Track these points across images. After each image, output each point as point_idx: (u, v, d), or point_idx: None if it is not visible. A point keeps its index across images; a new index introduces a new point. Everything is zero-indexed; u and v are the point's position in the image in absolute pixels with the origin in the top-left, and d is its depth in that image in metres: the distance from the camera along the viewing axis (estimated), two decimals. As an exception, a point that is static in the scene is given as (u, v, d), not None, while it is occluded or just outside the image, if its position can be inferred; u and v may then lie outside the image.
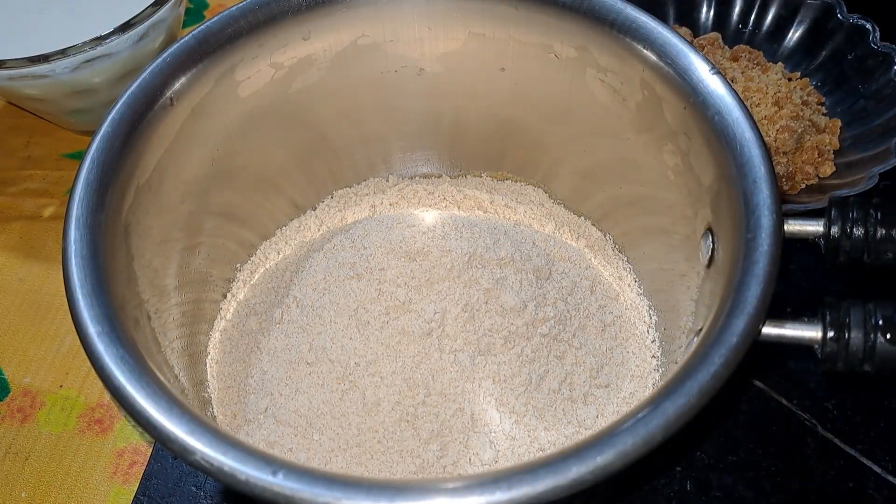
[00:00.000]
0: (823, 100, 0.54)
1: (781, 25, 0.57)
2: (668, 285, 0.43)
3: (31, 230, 0.54)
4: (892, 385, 0.45)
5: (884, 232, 0.35)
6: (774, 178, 0.34)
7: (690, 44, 0.39)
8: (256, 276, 0.47)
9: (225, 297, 0.46)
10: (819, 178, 0.51)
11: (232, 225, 0.46)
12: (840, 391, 0.45)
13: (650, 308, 0.44)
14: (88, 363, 0.32)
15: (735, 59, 0.55)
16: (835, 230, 0.35)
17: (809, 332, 0.33)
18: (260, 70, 0.42)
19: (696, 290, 0.38)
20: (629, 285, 0.45)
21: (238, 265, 0.47)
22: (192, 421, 0.30)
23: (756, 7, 0.57)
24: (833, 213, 0.35)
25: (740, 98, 0.36)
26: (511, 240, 0.45)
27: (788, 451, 0.43)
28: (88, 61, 0.48)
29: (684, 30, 0.57)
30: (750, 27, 0.57)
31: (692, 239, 0.39)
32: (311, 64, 0.44)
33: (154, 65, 0.39)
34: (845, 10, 0.54)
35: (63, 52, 0.47)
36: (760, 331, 0.32)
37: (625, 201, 0.45)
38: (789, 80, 0.55)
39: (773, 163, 0.39)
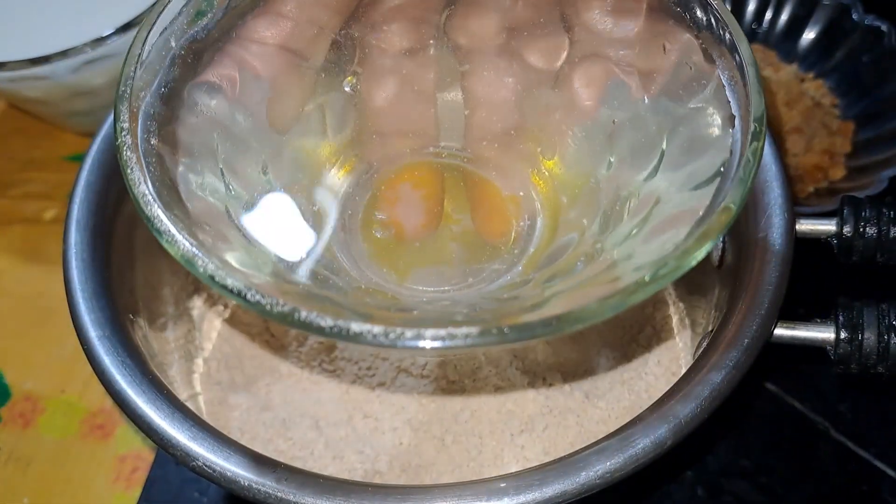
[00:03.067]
0: (837, 101, 0.54)
1: (797, 25, 0.56)
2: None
3: (33, 233, 0.53)
4: (906, 387, 0.44)
5: (898, 231, 0.34)
6: (786, 176, 0.34)
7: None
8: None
9: (221, 300, 0.45)
10: (829, 181, 0.51)
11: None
12: (854, 393, 0.44)
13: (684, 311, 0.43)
14: (90, 368, 0.32)
15: (747, 59, 0.55)
16: (847, 229, 0.35)
17: (822, 334, 0.33)
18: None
19: (707, 291, 0.38)
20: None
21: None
22: (195, 426, 0.30)
23: (771, 6, 0.57)
24: (845, 212, 0.35)
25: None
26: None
27: (801, 455, 0.43)
28: (89, 62, 0.48)
29: (696, 29, 0.57)
30: (765, 26, 0.57)
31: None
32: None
33: (155, 65, 0.39)
34: (861, 10, 0.53)
35: (64, 54, 0.47)
36: (772, 332, 0.32)
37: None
38: (802, 81, 0.54)
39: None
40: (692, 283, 0.40)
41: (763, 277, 0.32)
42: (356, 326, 0.24)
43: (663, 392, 0.30)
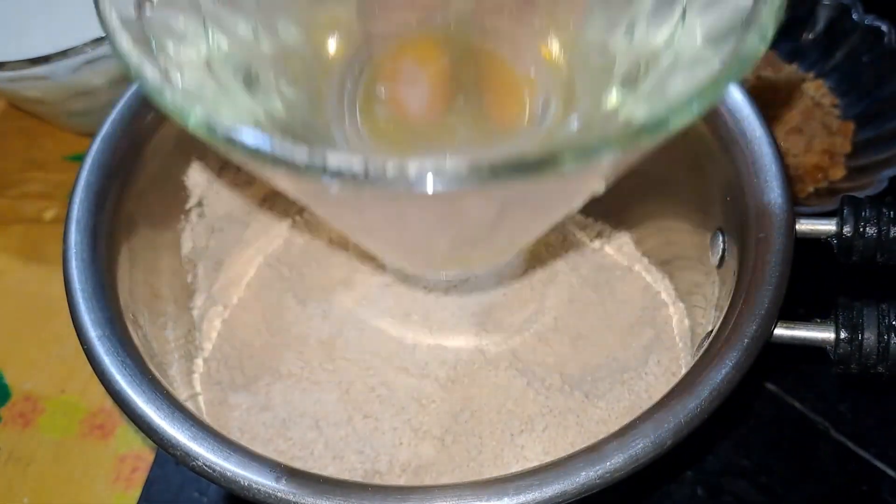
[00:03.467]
0: (837, 102, 0.54)
1: (797, 25, 0.56)
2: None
3: (33, 233, 0.53)
4: (906, 387, 0.44)
5: (898, 231, 0.34)
6: (787, 176, 0.34)
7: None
8: (253, 274, 0.46)
9: (221, 299, 0.45)
10: (829, 181, 0.51)
11: (233, 226, 0.45)
12: (854, 393, 0.44)
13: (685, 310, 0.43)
14: (90, 368, 0.32)
15: (747, 58, 0.55)
16: (847, 229, 0.35)
17: (822, 334, 0.33)
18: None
19: (707, 291, 0.38)
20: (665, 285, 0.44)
21: (234, 269, 0.46)
22: (195, 426, 0.30)
23: None
24: (845, 212, 0.35)
25: (751, 96, 0.36)
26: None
27: (801, 455, 0.43)
28: (89, 62, 0.48)
29: (695, 28, 0.57)
30: (765, 26, 0.57)
31: (702, 239, 0.38)
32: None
33: (155, 65, 0.39)
34: (861, 10, 0.53)
35: (64, 53, 0.47)
36: (772, 332, 0.32)
37: (633, 201, 0.45)
38: (802, 81, 0.54)
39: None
40: (692, 283, 0.40)
41: (763, 277, 0.32)
42: (334, 159, 0.22)
43: (663, 392, 0.30)
